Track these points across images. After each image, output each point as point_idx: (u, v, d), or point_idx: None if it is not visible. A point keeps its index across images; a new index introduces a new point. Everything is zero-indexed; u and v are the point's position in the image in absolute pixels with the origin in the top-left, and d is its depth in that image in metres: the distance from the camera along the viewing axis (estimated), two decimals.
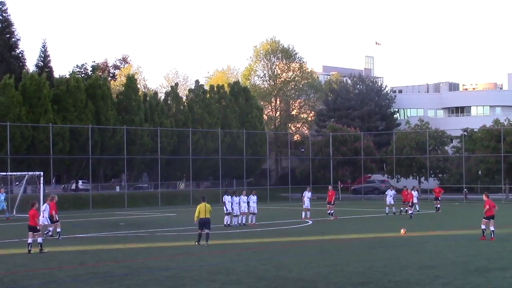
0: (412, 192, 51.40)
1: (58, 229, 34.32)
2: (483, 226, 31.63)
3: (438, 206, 54.56)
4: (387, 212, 51.37)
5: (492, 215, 31.39)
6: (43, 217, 33.16)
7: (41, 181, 54.90)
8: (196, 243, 30.13)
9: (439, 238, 33.25)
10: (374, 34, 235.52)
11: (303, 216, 46.47)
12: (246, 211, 42.49)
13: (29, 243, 28.33)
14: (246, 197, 42.71)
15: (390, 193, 52.04)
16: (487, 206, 31.28)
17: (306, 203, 47.20)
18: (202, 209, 30.23)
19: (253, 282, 20.36)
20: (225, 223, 41.23)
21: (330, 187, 52.10)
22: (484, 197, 32.07)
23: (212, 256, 27.08)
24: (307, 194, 47.67)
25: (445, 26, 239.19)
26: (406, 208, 50.12)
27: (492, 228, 31.33)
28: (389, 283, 20.07)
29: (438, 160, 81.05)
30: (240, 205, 42.11)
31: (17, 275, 22.28)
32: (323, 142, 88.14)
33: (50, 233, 34.62)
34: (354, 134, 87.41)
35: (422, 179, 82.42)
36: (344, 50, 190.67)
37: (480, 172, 77.45)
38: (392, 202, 51.78)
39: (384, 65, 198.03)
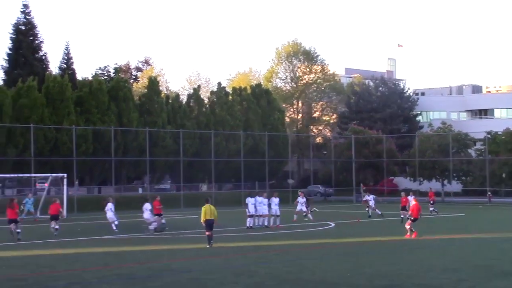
0: (408, 197, 52.74)
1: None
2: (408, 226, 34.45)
3: (431, 209, 53.90)
4: (379, 213, 51.33)
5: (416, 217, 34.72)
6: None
7: (65, 183, 55.30)
8: (208, 246, 30.08)
9: (462, 241, 33.05)
10: (396, 37, 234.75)
11: (294, 218, 46.41)
12: (267, 213, 42.45)
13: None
14: (267, 199, 42.63)
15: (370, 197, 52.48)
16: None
17: (299, 207, 47.72)
18: (207, 211, 30.27)
19: (276, 285, 20.32)
20: (247, 225, 41.22)
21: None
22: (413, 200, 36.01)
23: (235, 258, 27.08)
24: (300, 200, 47.83)
25: (468, 28, 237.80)
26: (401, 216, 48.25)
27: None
28: (412, 286, 19.96)
29: (461, 163, 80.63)
30: (260, 207, 41.94)
31: (42, 276, 22.40)
32: (345, 144, 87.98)
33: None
34: (376, 136, 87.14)
35: (445, 182, 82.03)
36: (366, 52, 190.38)
37: (504, 175, 76.95)
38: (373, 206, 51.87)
39: (406, 68, 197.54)
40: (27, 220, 49.18)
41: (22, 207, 49.73)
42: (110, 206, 40.73)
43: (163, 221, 40.56)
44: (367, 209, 51.98)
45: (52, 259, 27.19)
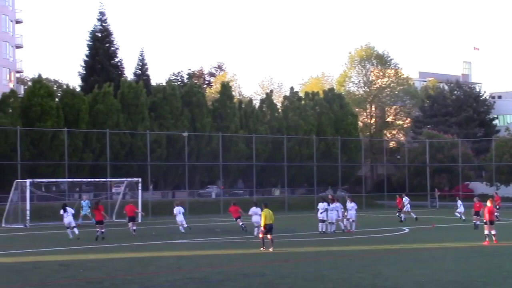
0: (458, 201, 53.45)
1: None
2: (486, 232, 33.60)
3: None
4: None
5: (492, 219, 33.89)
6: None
7: (139, 187, 56.04)
8: (262, 248, 30.48)
9: None
10: (472, 39, 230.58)
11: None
12: (338, 218, 42.26)
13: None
14: (339, 204, 42.46)
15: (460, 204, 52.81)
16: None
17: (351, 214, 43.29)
18: (267, 215, 30.78)
19: None
20: (320, 230, 41.07)
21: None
22: (488, 202, 34.09)
23: (307, 263, 27.01)
24: (348, 206, 43.09)
25: None
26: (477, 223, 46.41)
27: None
28: None
29: None
30: (331, 213, 41.79)
31: (117, 279, 22.76)
32: (419, 149, 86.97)
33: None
34: (451, 141, 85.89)
35: None
36: (441, 55, 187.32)
37: None
38: (463, 210, 52.48)
39: (482, 71, 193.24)
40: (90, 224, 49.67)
41: (81, 211, 50.13)
42: (179, 209, 42.45)
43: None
44: (401, 214, 52.38)
45: (127, 262, 27.62)
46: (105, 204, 53.62)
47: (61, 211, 38.82)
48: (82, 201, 51.85)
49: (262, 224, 30.86)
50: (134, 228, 41.01)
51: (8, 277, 23.69)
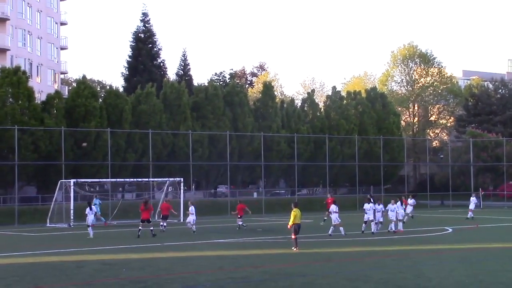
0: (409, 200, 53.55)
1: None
2: None
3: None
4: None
5: None
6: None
7: (181, 187, 56.35)
8: (295, 249, 30.53)
9: None
10: None
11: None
12: (381, 219, 42.23)
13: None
14: (381, 205, 42.44)
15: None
16: None
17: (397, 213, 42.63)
18: (297, 215, 30.88)
19: None
20: (362, 229, 40.89)
21: (328, 195, 52.62)
22: None
23: (350, 263, 26.91)
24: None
25: None
26: None
27: None
28: None
29: None
30: (379, 213, 41.73)
31: (160, 279, 22.88)
32: (462, 148, 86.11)
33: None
34: (495, 140, 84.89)
35: None
36: (485, 54, 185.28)
37: None
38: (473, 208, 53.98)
39: None
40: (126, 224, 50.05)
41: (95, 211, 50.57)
42: (193, 208, 42.89)
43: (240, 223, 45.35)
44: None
45: (169, 261, 27.77)
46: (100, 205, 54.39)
47: (87, 210, 40.63)
48: (95, 200, 52.68)
49: (290, 224, 30.90)
50: (164, 224, 43.30)
51: (53, 276, 23.99)
